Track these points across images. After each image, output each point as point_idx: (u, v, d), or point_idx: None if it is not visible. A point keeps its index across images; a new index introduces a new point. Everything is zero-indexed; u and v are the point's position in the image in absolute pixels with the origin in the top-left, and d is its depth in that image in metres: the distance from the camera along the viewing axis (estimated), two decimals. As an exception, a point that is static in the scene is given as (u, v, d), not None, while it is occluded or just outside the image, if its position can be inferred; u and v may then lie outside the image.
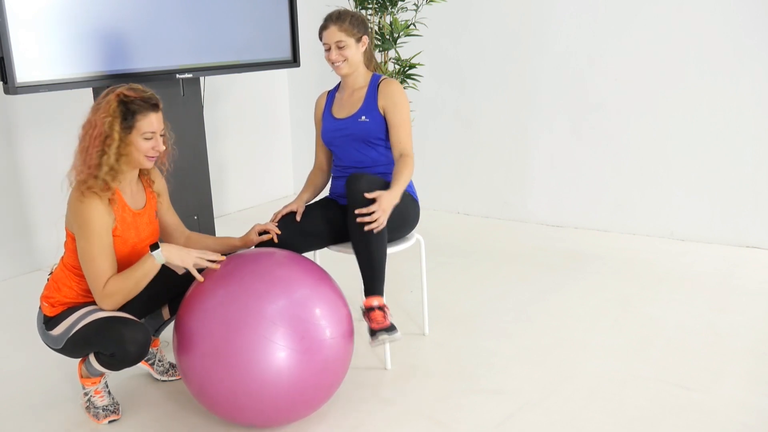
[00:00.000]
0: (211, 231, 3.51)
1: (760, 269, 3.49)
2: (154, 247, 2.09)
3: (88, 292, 2.16)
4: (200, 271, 2.12)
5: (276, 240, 2.42)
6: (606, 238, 4.09)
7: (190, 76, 3.20)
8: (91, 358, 2.18)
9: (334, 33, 2.52)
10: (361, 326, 2.50)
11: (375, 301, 2.34)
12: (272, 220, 2.52)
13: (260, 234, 2.44)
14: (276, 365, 1.94)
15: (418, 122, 4.50)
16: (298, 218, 2.52)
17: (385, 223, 2.30)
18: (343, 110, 2.64)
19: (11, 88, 2.63)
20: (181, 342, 2.04)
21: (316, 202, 2.68)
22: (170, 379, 2.53)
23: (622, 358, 2.59)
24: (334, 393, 2.21)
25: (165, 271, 2.15)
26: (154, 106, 2.11)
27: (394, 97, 2.56)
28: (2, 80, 2.62)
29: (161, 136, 2.15)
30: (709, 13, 3.70)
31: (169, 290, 2.32)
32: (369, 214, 2.28)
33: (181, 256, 2.09)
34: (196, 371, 2.01)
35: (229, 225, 4.59)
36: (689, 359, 2.57)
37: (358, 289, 2.67)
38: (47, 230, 3.81)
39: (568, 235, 4.18)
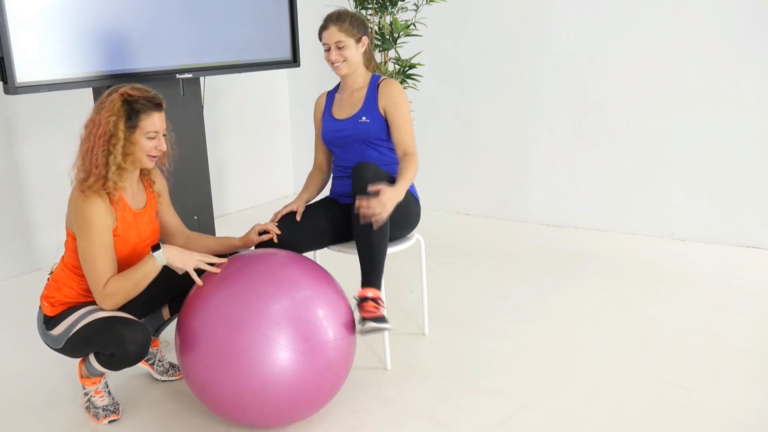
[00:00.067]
0: (211, 231, 3.51)
1: (760, 269, 3.49)
2: (156, 248, 2.09)
3: (89, 291, 2.16)
4: (200, 274, 2.12)
5: (276, 240, 2.42)
6: (606, 238, 4.09)
7: (190, 76, 3.20)
8: (91, 358, 2.18)
9: (334, 33, 2.52)
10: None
11: (370, 293, 2.31)
12: (272, 220, 2.51)
13: (260, 234, 2.43)
14: (278, 366, 1.94)
15: (418, 122, 4.50)
16: (298, 218, 2.52)
17: (385, 217, 2.29)
18: (343, 111, 2.64)
19: (11, 88, 2.63)
20: (184, 342, 2.04)
21: (316, 202, 2.68)
22: (170, 379, 2.53)
23: (622, 358, 2.59)
24: (336, 393, 2.21)
25: (165, 271, 2.15)
26: (158, 106, 2.11)
27: (394, 97, 2.56)
28: (2, 80, 2.62)
29: (163, 135, 2.15)
30: (709, 13, 3.70)
31: (170, 290, 2.32)
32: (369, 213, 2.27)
33: (182, 258, 2.09)
34: (198, 371, 2.01)
35: (229, 225, 4.59)
36: (689, 359, 2.57)
37: (358, 289, 2.66)
38: (47, 230, 3.81)
39: (568, 235, 4.18)
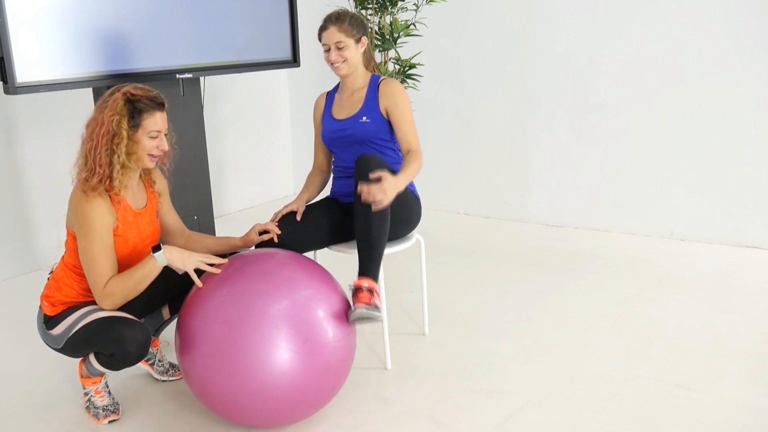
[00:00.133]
0: (211, 231, 3.51)
1: (760, 269, 3.49)
2: (156, 248, 2.09)
3: (89, 291, 2.16)
4: (199, 274, 2.12)
5: (276, 240, 2.42)
6: (606, 238, 4.09)
7: (190, 76, 3.20)
8: (91, 357, 2.18)
9: (334, 34, 2.52)
10: (362, 326, 2.49)
11: (365, 283, 2.27)
12: (272, 220, 2.51)
13: (260, 234, 2.43)
14: (278, 366, 1.94)
15: (418, 122, 4.48)
16: (299, 218, 2.52)
17: (386, 204, 2.27)
18: (343, 111, 2.65)
19: (11, 88, 2.63)
20: (184, 342, 2.04)
21: (316, 202, 2.69)
22: (170, 379, 2.53)
23: (622, 358, 2.59)
24: (336, 394, 2.21)
25: (165, 271, 2.15)
26: (160, 105, 2.12)
27: (395, 97, 2.56)
28: (2, 80, 2.62)
29: (165, 135, 2.16)
30: (709, 13, 3.70)
31: (170, 290, 2.32)
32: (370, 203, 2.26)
33: (182, 259, 2.09)
34: (198, 371, 2.01)
35: (229, 225, 4.59)
36: (689, 359, 2.57)
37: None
38: (47, 230, 3.81)
39: (568, 235, 4.18)
